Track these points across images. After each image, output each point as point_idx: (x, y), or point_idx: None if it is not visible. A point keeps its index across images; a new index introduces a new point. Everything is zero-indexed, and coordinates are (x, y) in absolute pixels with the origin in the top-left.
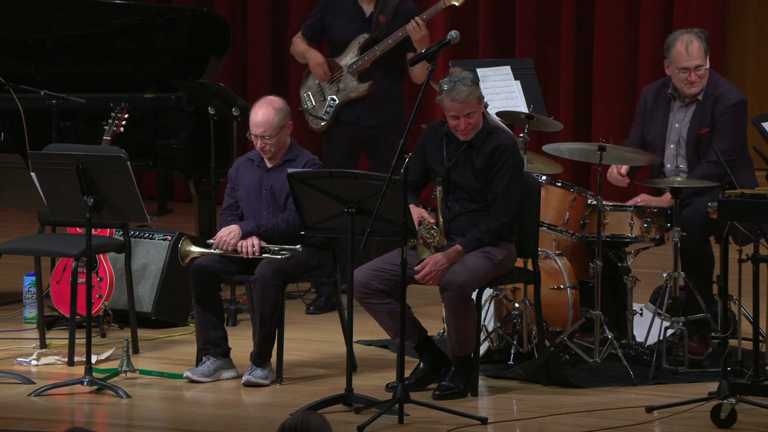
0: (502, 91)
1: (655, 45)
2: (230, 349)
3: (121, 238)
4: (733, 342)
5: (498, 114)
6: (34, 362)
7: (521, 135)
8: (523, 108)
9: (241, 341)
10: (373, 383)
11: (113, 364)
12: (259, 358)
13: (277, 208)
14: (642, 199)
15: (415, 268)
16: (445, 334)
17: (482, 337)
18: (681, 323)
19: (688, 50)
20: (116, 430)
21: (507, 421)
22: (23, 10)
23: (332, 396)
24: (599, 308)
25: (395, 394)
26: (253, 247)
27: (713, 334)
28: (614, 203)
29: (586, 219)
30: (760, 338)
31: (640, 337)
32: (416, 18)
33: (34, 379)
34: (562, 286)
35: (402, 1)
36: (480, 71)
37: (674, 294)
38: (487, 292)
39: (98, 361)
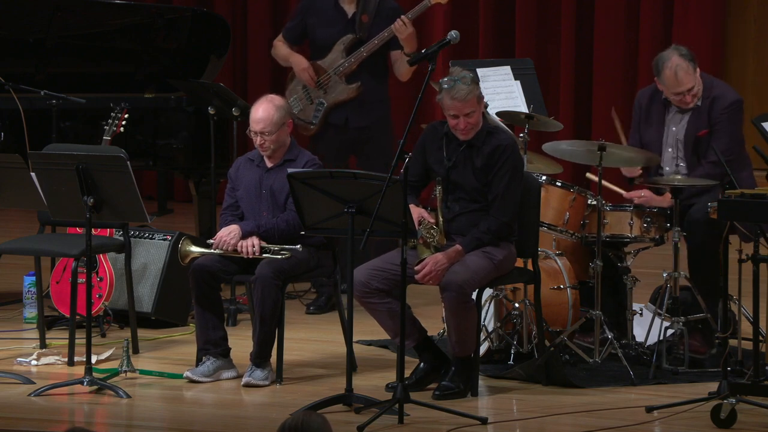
0: (502, 91)
1: (655, 45)
2: (230, 349)
3: (121, 238)
4: (733, 342)
5: (498, 114)
6: (34, 362)
7: (521, 135)
8: (523, 108)
9: (241, 341)
10: (373, 383)
11: (113, 364)
12: (259, 358)
13: (277, 208)
14: (644, 194)
15: (415, 268)
16: (445, 334)
17: (482, 337)
18: (681, 323)
19: (677, 77)
20: (116, 430)
21: (507, 421)
22: (23, 10)
23: (332, 396)
24: (599, 308)
25: (395, 394)
26: (253, 247)
27: (714, 334)
28: (615, 203)
29: (586, 219)
30: (760, 338)
31: (640, 337)
32: (402, 17)
33: (34, 379)
34: (562, 286)
35: None
36: (480, 71)
37: (674, 294)
38: (487, 292)
39: (98, 361)
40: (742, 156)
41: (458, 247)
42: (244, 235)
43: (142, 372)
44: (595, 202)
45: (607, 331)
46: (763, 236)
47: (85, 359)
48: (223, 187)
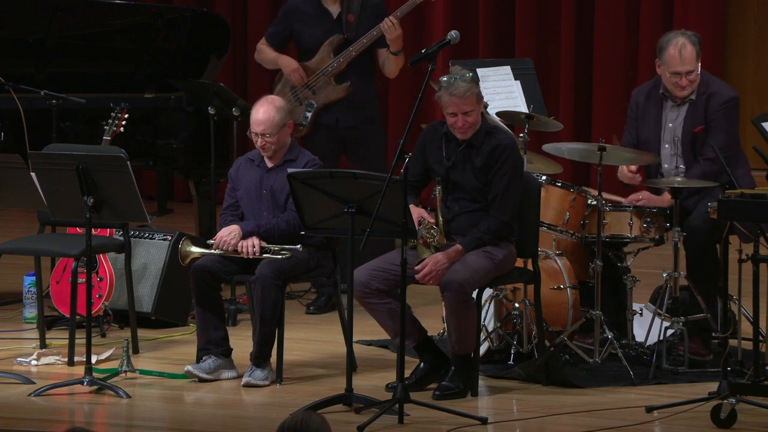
0: (502, 91)
1: (655, 45)
2: (231, 349)
3: (121, 238)
4: (733, 342)
5: (498, 114)
6: (34, 362)
7: (521, 135)
8: (523, 108)
9: (241, 341)
10: (373, 383)
11: (113, 364)
12: (259, 358)
13: (277, 208)
14: (643, 196)
15: (416, 268)
16: (445, 334)
17: (482, 337)
18: (681, 323)
19: (681, 55)
20: (116, 430)
21: (507, 421)
22: (23, 10)
23: (332, 396)
24: (599, 308)
25: (395, 394)
26: (254, 247)
27: (714, 334)
28: (614, 203)
29: (586, 219)
30: (760, 338)
31: (640, 337)
32: (390, 17)
33: (34, 379)
34: (562, 286)
35: None
36: (480, 71)
37: (674, 294)
38: (487, 292)
39: (98, 361)
40: (738, 153)
41: (458, 246)
42: (245, 235)
43: (142, 372)
44: (595, 202)
45: (607, 331)
46: (763, 236)
47: (85, 359)
48: (223, 187)
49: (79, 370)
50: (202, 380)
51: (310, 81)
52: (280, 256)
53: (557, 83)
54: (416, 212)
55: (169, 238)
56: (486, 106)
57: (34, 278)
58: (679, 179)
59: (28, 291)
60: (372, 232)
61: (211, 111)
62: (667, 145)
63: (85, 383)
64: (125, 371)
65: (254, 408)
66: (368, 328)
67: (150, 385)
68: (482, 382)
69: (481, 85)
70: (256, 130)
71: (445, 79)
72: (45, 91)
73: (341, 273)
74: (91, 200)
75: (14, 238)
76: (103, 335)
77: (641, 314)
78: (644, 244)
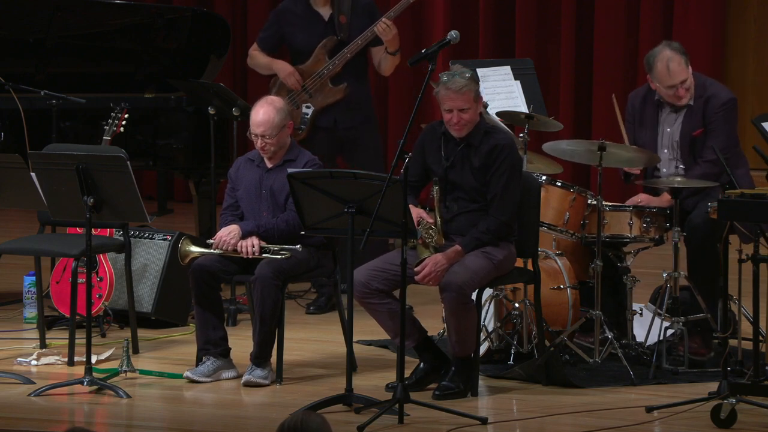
0: (502, 91)
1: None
2: (230, 349)
3: (121, 238)
4: (733, 342)
5: (498, 114)
6: (34, 362)
7: (521, 135)
8: (523, 108)
9: (241, 341)
10: (373, 383)
11: (113, 364)
12: (259, 358)
13: (277, 208)
14: (642, 199)
15: (415, 269)
16: (445, 334)
17: (482, 337)
18: (681, 323)
19: (669, 69)
20: (116, 430)
21: (507, 421)
22: (23, 10)
23: (332, 396)
24: (599, 308)
25: (395, 394)
26: (253, 247)
27: (714, 334)
28: (614, 203)
29: (586, 219)
30: (760, 338)
31: (640, 337)
32: (384, 19)
33: (34, 379)
34: (562, 286)
35: None
36: (480, 71)
37: (674, 294)
38: (487, 292)
39: (98, 361)
40: (737, 154)
41: (458, 247)
42: (244, 235)
43: (142, 372)
44: (595, 202)
45: (607, 331)
46: (763, 236)
47: (85, 359)
48: (223, 187)
49: (79, 370)
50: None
51: (307, 84)
52: (279, 256)
53: (557, 83)
54: (415, 212)
55: (169, 238)
56: (486, 106)
57: (34, 278)
58: (679, 179)
59: (28, 291)
60: (372, 232)
61: (211, 111)
62: (665, 150)
63: (85, 383)
64: (125, 371)
65: (254, 408)
66: (368, 328)
67: (150, 385)
68: (482, 382)
69: (481, 85)
70: (256, 132)
71: (446, 75)
72: (45, 91)
73: (341, 273)
74: (91, 200)
75: (14, 238)
76: (103, 335)
77: (641, 314)
78: (644, 244)
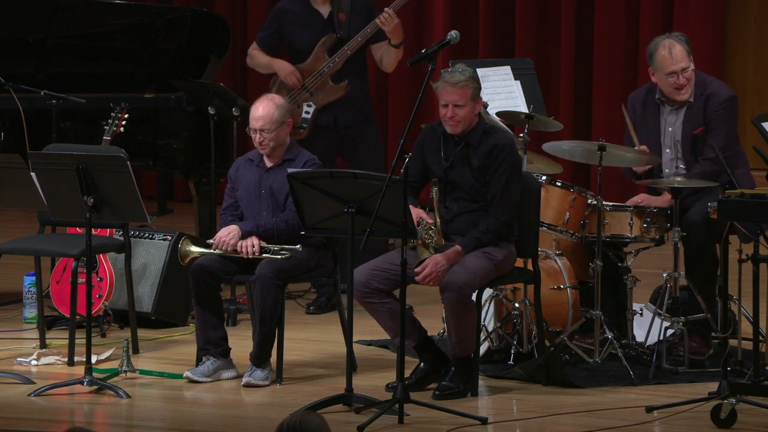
0: (502, 91)
1: None
2: (230, 349)
3: (121, 238)
4: (733, 342)
5: (498, 114)
6: (34, 362)
7: (521, 135)
8: (523, 108)
9: (241, 341)
10: (373, 383)
11: (113, 364)
12: (259, 358)
13: (276, 207)
14: (642, 198)
15: (415, 270)
16: (445, 334)
17: (482, 337)
18: (681, 323)
19: (672, 54)
20: (116, 430)
21: (507, 421)
22: (23, 10)
23: (332, 396)
24: (599, 308)
25: (395, 394)
26: (253, 247)
27: (713, 334)
28: (614, 203)
29: (586, 219)
30: (760, 338)
31: (640, 337)
32: (387, 9)
33: (34, 379)
34: (562, 286)
35: None
36: (480, 71)
37: (674, 294)
38: (487, 292)
39: (98, 361)
40: (737, 153)
41: (458, 247)
42: (244, 235)
43: (142, 372)
44: (595, 202)
45: (607, 331)
46: (763, 236)
47: (85, 359)
48: (223, 187)
49: (79, 370)
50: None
51: (307, 82)
52: (279, 256)
53: (557, 83)
54: (415, 213)
55: (169, 238)
56: (486, 106)
57: (34, 278)
58: (679, 179)
59: (28, 291)
60: (372, 232)
61: (211, 111)
62: (668, 150)
63: (85, 383)
64: (125, 371)
65: (254, 408)
66: (368, 328)
67: (150, 385)
68: (482, 382)
69: (481, 84)
70: (254, 126)
71: (447, 70)
72: (45, 91)
73: (341, 273)
74: (91, 200)
75: (14, 238)
76: (103, 335)
77: (641, 314)
78: (644, 244)
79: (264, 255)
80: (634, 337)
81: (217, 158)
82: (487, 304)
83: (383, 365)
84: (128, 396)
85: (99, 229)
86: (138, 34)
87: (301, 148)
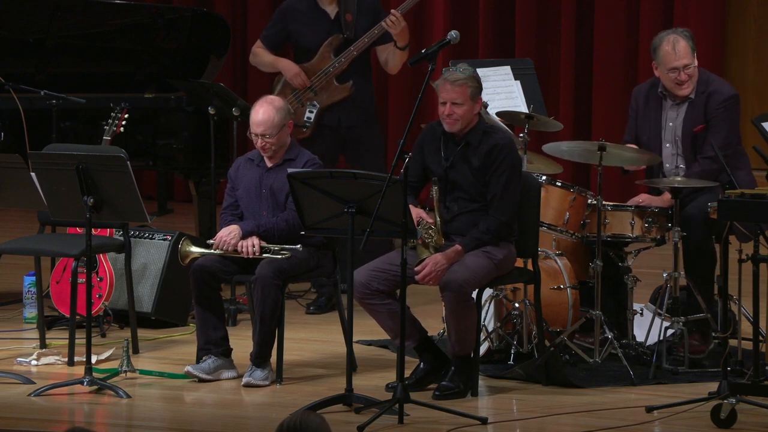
0: (502, 91)
1: None
2: (231, 349)
3: (121, 238)
4: (733, 342)
5: (498, 114)
6: (34, 362)
7: (521, 135)
8: (523, 108)
9: (241, 341)
10: (373, 383)
11: (113, 364)
12: (259, 358)
13: (277, 207)
14: (643, 198)
15: (415, 269)
16: (445, 334)
17: (482, 337)
18: (681, 323)
19: (675, 50)
20: (116, 430)
21: (507, 421)
22: (23, 10)
23: (332, 396)
24: (599, 308)
25: (395, 394)
26: (253, 247)
27: (714, 334)
28: (614, 203)
29: (586, 219)
30: (760, 338)
31: (640, 337)
32: (394, 11)
33: (34, 379)
34: (562, 286)
35: None
36: (480, 71)
37: (674, 294)
38: (487, 292)
39: (98, 361)
40: (739, 153)
41: (458, 247)
42: (244, 235)
43: (142, 372)
44: (595, 202)
45: (607, 331)
46: (763, 236)
47: (85, 359)
48: (223, 187)
49: (79, 370)
50: (201, 380)
51: (312, 82)
52: (280, 256)
53: (557, 83)
54: (415, 212)
55: (169, 238)
56: (486, 106)
57: (34, 278)
58: (679, 179)
59: (28, 291)
60: (372, 232)
61: (211, 111)
62: (668, 145)
63: (85, 383)
64: (125, 371)
65: (254, 408)
66: (368, 328)
67: (150, 385)
68: (482, 382)
69: (482, 84)
70: (256, 131)
71: (448, 69)
72: (45, 91)
73: (341, 273)
74: (91, 200)
75: (14, 238)
76: (103, 335)
77: (641, 314)
78: (645, 244)
79: (264, 255)
80: (634, 337)
81: (217, 158)
82: (487, 304)
83: (383, 365)
84: (128, 396)
85: (99, 229)
86: (138, 34)
87: (301, 147)
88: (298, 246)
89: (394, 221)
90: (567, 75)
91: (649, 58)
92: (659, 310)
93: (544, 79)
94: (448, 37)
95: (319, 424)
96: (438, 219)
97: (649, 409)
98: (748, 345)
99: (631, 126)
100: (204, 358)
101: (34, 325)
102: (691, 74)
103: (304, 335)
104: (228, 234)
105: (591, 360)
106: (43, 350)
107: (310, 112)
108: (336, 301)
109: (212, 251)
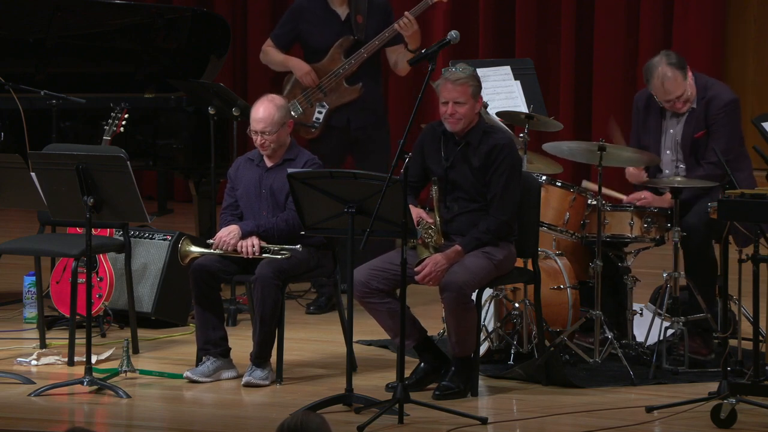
0: (502, 91)
1: (655, 45)
2: (230, 349)
3: (121, 238)
4: (733, 342)
5: (498, 114)
6: (34, 362)
7: (521, 135)
8: (523, 108)
9: (241, 341)
10: (373, 383)
11: (113, 364)
12: (259, 358)
13: (276, 207)
14: (645, 196)
15: (415, 269)
16: (445, 334)
17: (482, 337)
18: (681, 323)
19: (664, 87)
20: (116, 430)
21: (507, 421)
22: (23, 10)
23: (332, 396)
24: (599, 308)
25: (395, 394)
26: (253, 247)
27: (714, 334)
28: (614, 202)
29: (586, 219)
30: (760, 338)
31: (640, 337)
32: (407, 13)
33: (34, 379)
34: (562, 286)
35: None
36: (480, 71)
37: (674, 294)
38: (487, 292)
39: (98, 361)
40: (740, 155)
41: (457, 247)
42: (244, 235)
43: (142, 372)
44: (595, 202)
45: (607, 331)
46: (763, 236)
47: (85, 359)
48: (223, 187)
49: (79, 370)
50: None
51: (322, 83)
52: (279, 256)
53: (557, 83)
54: (415, 212)
55: (169, 238)
56: (486, 106)
57: (34, 278)
58: (680, 179)
59: (28, 291)
60: (372, 232)
61: (211, 111)
62: (668, 152)
63: (85, 383)
64: (125, 371)
65: (254, 408)
66: (368, 328)
67: (150, 385)
68: (482, 382)
69: (482, 84)
70: (255, 128)
71: (448, 69)
72: (45, 91)
73: (341, 273)
74: (91, 200)
75: (14, 238)
76: (103, 335)
77: (641, 314)
78: (645, 244)
79: (264, 255)
80: (634, 337)
81: (217, 158)
82: (487, 304)
83: (383, 365)
84: (128, 396)
85: (99, 229)
86: (138, 34)
87: (301, 147)
88: (298, 246)
89: (394, 221)
90: (567, 75)
91: (648, 58)
92: (659, 310)
93: (544, 79)
94: (448, 37)
95: (320, 425)
96: (438, 219)
97: (649, 409)
98: (748, 345)
99: (635, 131)
100: (203, 359)
101: (34, 325)
102: (686, 99)
103: (304, 335)
104: (228, 234)
105: (591, 360)
106: (43, 350)
107: (319, 112)
108: (336, 301)
109: (212, 251)
